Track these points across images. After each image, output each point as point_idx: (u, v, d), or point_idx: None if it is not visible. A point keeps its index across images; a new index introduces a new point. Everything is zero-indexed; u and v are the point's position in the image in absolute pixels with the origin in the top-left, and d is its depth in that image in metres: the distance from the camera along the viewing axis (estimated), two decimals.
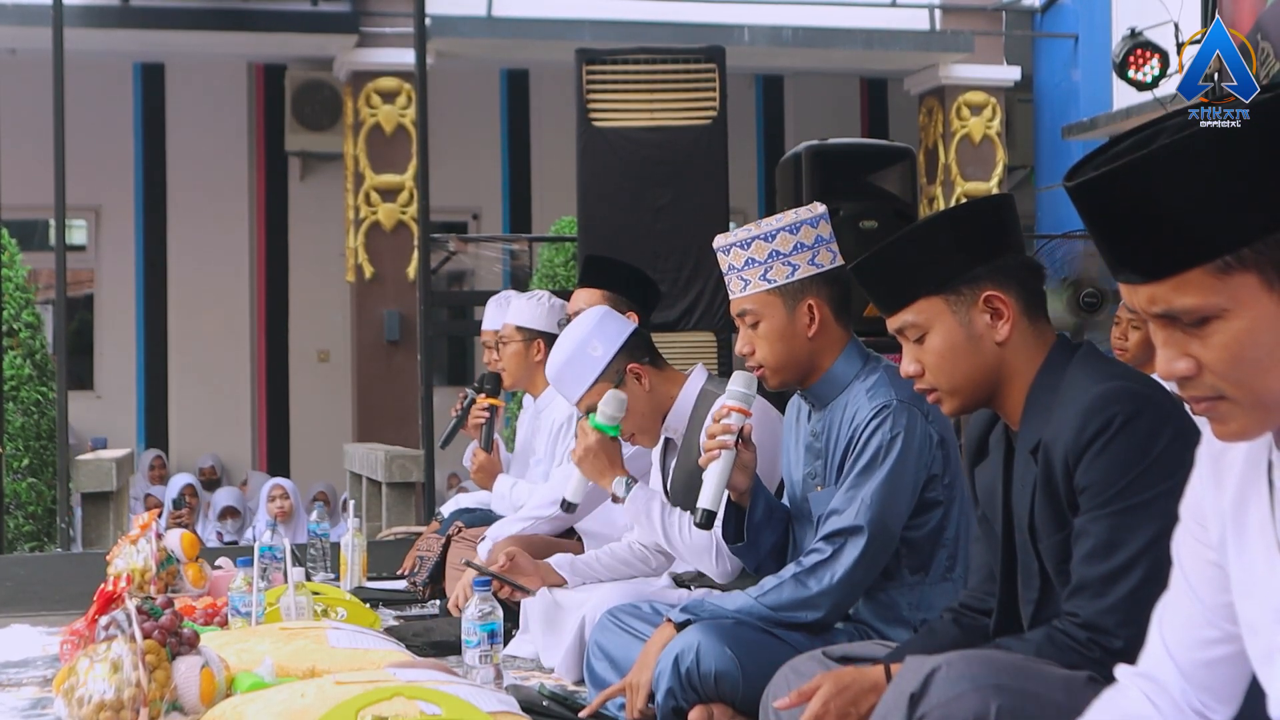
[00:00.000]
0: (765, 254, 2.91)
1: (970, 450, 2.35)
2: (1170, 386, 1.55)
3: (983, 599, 2.34)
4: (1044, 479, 2.12)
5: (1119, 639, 1.99)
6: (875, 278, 2.30)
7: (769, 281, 2.91)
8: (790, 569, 2.83)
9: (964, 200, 2.38)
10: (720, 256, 2.98)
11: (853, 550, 2.77)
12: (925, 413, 2.81)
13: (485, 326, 5.03)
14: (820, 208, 2.98)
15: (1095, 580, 2.03)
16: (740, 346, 2.97)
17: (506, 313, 4.84)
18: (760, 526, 2.97)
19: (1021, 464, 2.18)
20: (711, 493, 2.87)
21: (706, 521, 2.88)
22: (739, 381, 2.95)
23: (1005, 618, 2.26)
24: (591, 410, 3.43)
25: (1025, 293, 2.22)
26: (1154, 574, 1.98)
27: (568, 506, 3.41)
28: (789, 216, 2.94)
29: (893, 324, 2.27)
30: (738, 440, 2.88)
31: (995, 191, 11.93)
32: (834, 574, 2.78)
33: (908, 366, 2.27)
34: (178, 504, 10.38)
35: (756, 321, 2.93)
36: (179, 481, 10.77)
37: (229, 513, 10.40)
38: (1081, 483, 2.07)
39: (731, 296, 2.98)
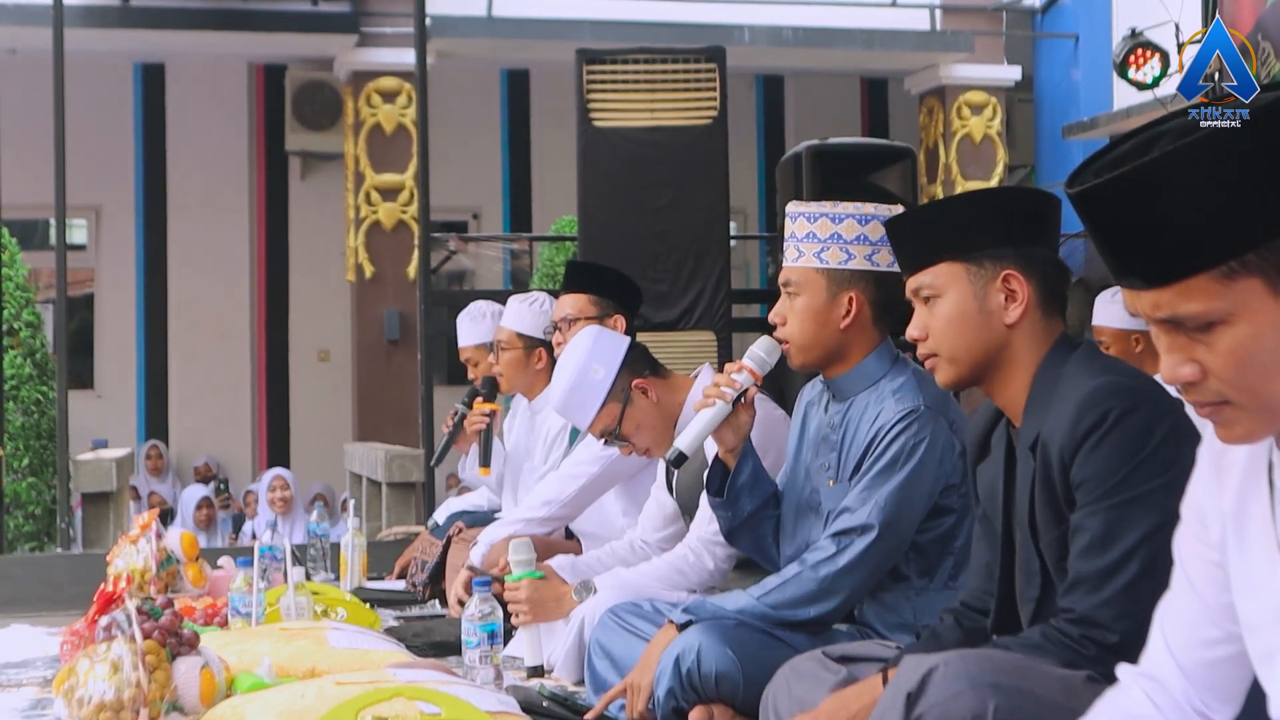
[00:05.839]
0: (827, 234, 2.87)
1: (972, 449, 2.35)
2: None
3: (982, 598, 2.34)
4: (1042, 474, 2.13)
5: (1114, 633, 1.99)
6: (907, 233, 2.32)
7: (821, 261, 2.87)
8: (793, 567, 2.83)
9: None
10: (786, 222, 2.95)
11: (859, 548, 2.76)
12: (950, 421, 2.80)
13: (463, 343, 5.00)
14: (899, 209, 2.93)
15: (1092, 575, 2.03)
16: (774, 313, 2.93)
17: (483, 323, 4.84)
18: (742, 490, 2.97)
19: (1021, 460, 2.18)
20: (691, 436, 2.90)
21: (676, 460, 2.91)
22: (762, 346, 2.94)
23: (1002, 616, 2.26)
24: (605, 437, 3.49)
25: (1045, 286, 2.23)
26: (1150, 568, 1.98)
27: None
28: (866, 207, 2.89)
29: (911, 284, 2.29)
30: (739, 399, 2.89)
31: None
32: (838, 571, 2.77)
33: (913, 330, 2.28)
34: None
35: (797, 294, 2.90)
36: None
37: (204, 504, 10.37)
38: (1077, 478, 2.07)
39: (783, 263, 2.95)
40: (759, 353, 2.94)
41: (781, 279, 2.95)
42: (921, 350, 2.28)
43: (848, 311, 2.87)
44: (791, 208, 2.96)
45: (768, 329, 2.98)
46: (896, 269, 2.88)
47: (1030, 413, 2.18)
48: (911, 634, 2.81)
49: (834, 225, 2.87)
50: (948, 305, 2.24)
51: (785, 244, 2.95)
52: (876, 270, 2.88)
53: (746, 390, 2.91)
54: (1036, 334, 2.22)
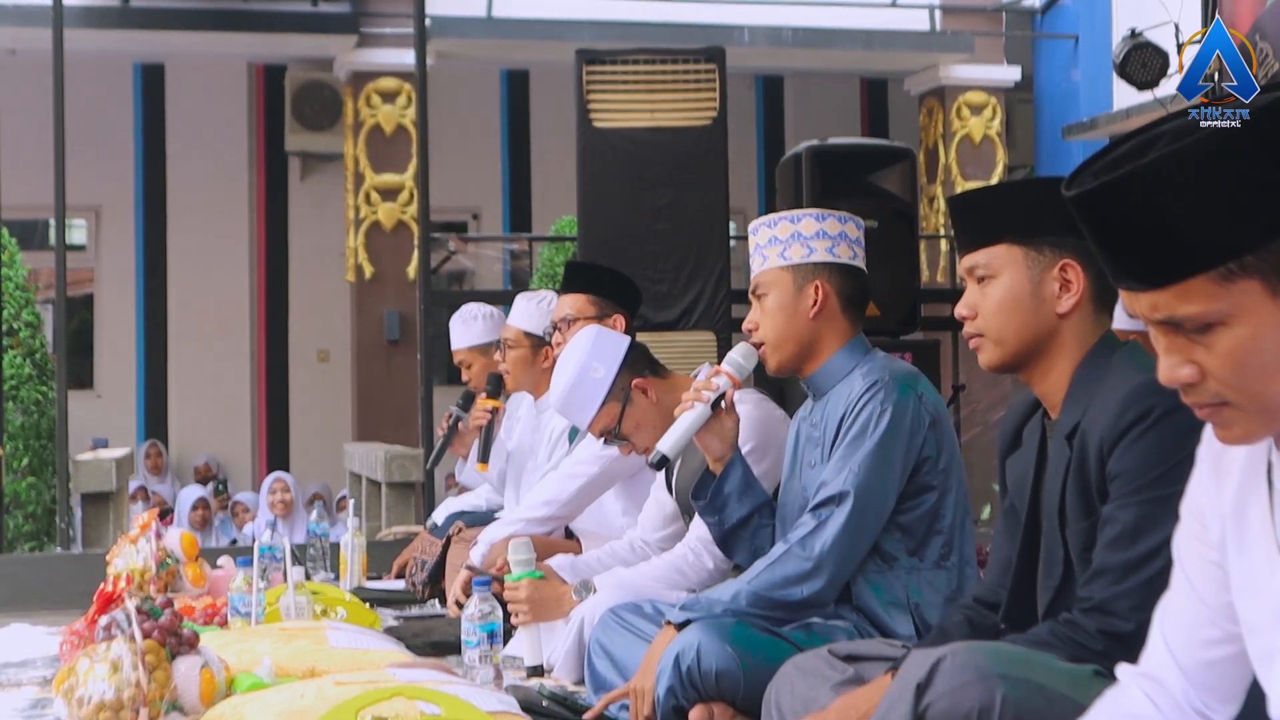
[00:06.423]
0: (788, 234, 2.99)
1: (1004, 441, 2.36)
2: None
3: (996, 592, 2.34)
4: (1077, 464, 2.13)
5: (1129, 623, 1.99)
6: (970, 210, 2.33)
7: (784, 259, 2.98)
8: (779, 547, 2.86)
9: None
10: (750, 236, 3.07)
11: (839, 518, 2.80)
12: (920, 394, 2.85)
13: (455, 345, 4.99)
14: (857, 218, 3.07)
15: (1117, 566, 2.04)
16: (747, 321, 3.03)
17: (475, 325, 4.85)
18: (729, 496, 3.02)
19: (1056, 450, 2.19)
20: (673, 439, 2.99)
21: (658, 463, 3.00)
22: (739, 351, 3.04)
23: (1016, 604, 2.26)
24: (604, 436, 3.49)
25: (1101, 281, 2.24)
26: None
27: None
28: (824, 209, 3.04)
29: (965, 262, 2.30)
30: (718, 403, 2.96)
31: None
32: (823, 543, 2.80)
33: (961, 308, 2.29)
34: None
35: (766, 294, 3.00)
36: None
37: (200, 505, 10.36)
38: (1114, 470, 2.07)
39: (751, 273, 3.05)
40: (736, 357, 3.04)
41: (751, 287, 3.04)
42: (968, 329, 2.29)
43: (815, 301, 2.96)
44: (753, 224, 3.08)
45: None
46: (858, 262, 3.00)
47: (1070, 403, 2.19)
48: (908, 612, 2.84)
49: (793, 225, 3.00)
50: (1001, 287, 2.24)
51: (751, 256, 3.06)
52: (838, 262, 2.99)
53: (725, 393, 2.98)
54: (1085, 327, 2.23)
